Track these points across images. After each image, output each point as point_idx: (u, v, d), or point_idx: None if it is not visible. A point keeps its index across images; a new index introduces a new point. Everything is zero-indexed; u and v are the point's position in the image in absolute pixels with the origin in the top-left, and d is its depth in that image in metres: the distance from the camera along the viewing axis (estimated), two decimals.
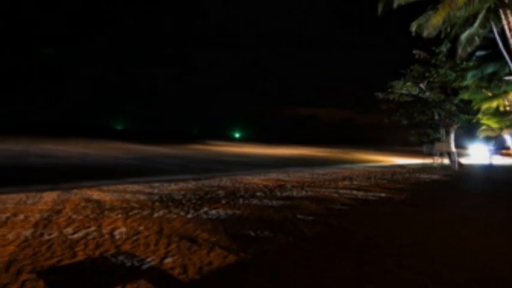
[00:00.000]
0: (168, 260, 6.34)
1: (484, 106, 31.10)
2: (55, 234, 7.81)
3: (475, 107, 31.92)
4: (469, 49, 19.81)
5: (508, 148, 43.00)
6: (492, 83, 27.43)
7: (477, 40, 19.36)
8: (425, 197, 14.85)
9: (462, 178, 23.63)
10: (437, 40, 27.58)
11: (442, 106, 33.12)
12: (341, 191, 15.19)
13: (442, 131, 34.67)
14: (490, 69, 25.16)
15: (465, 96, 31.37)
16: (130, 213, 10.09)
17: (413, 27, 19.65)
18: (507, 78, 24.03)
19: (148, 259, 6.38)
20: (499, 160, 45.26)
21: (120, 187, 15.55)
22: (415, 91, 33.75)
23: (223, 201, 12.37)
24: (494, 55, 23.61)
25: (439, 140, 34.82)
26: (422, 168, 31.70)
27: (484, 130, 37.82)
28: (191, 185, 17.08)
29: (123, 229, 8.38)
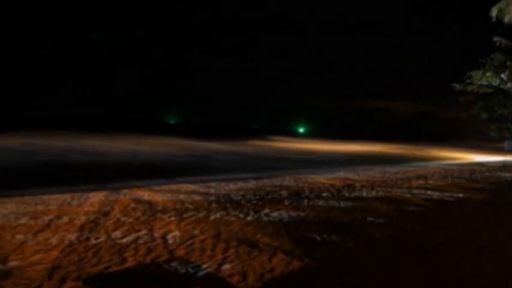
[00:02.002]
0: (226, 267, 6.39)
1: None
2: (102, 238, 8.02)
3: None
4: None
5: None
6: None
7: None
8: (506, 197, 14.76)
9: None
10: None
11: None
12: (415, 191, 15.11)
13: None
14: None
15: None
16: (184, 216, 10.25)
17: (494, 12, 19.09)
18: None
19: (204, 265, 6.45)
20: None
21: (174, 187, 15.82)
22: (495, 82, 32.61)
23: (286, 202, 12.42)
24: None
25: None
26: (504, 166, 30.78)
27: None
28: (251, 184, 17.18)
29: (177, 233, 8.52)
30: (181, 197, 13.26)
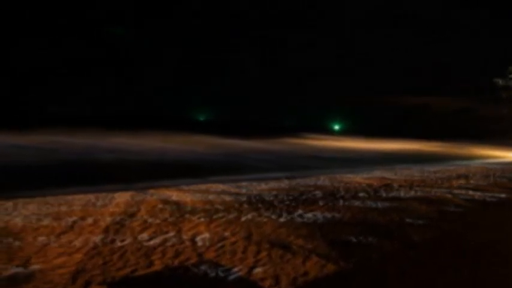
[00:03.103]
0: (258, 270, 6.40)
1: None
2: (128, 240, 8.10)
3: None
4: None
5: None
6: None
7: None
8: None
9: None
10: None
11: None
12: (455, 191, 15.29)
13: None
14: None
15: None
16: (214, 217, 10.30)
17: None
18: None
19: (235, 269, 6.47)
20: None
21: (203, 187, 15.88)
22: None
23: (320, 203, 12.50)
24: None
25: None
26: None
27: None
28: (284, 184, 17.22)
29: (206, 234, 8.56)
30: (211, 197, 13.31)
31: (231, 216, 10.40)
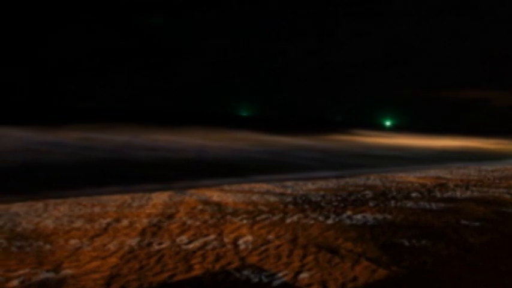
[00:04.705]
0: (304, 275, 6.40)
1: None
2: (166, 243, 8.17)
3: None
4: None
5: None
6: None
7: None
8: None
9: None
10: None
11: None
12: None
13: None
14: None
15: None
16: (257, 218, 10.33)
17: None
18: None
19: (280, 274, 6.48)
20: None
21: (246, 186, 15.95)
22: None
23: (370, 204, 12.52)
24: None
25: None
26: None
27: None
28: (332, 183, 17.24)
29: (249, 237, 8.60)
30: (254, 197, 13.36)
31: (276, 218, 10.43)
